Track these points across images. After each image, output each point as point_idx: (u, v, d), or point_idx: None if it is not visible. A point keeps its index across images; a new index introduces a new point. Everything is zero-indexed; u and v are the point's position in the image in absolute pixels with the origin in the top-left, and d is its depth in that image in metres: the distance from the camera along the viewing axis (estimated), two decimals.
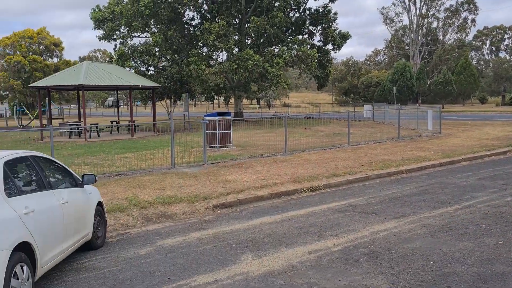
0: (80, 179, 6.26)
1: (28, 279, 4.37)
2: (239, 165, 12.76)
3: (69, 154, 15.89)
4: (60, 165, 6.12)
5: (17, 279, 4.19)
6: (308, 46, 30.93)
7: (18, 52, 55.11)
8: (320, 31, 33.87)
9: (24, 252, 4.34)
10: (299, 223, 7.50)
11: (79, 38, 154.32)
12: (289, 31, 33.20)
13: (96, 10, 32.29)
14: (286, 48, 30.68)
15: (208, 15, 32.19)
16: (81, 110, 26.28)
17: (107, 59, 69.86)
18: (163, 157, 14.39)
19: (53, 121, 28.88)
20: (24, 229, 4.38)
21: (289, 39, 32.10)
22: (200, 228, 7.49)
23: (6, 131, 27.74)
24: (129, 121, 25.38)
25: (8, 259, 4.02)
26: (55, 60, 60.21)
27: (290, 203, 9.13)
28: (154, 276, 5.31)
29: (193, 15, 33.39)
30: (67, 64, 56.33)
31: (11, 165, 4.84)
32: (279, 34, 29.77)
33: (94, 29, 32.45)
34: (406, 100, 53.98)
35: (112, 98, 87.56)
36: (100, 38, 32.61)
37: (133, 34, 32.43)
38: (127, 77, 25.65)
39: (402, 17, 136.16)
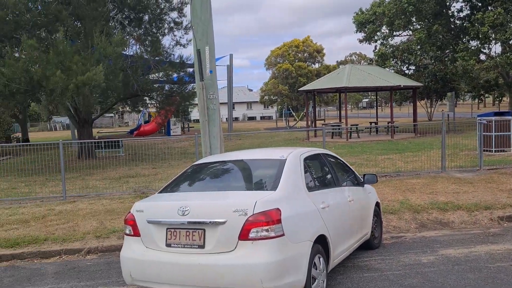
0: (361, 178, 6.32)
1: (323, 270, 4.58)
2: None
3: None
4: (344, 163, 6.30)
5: (316, 269, 4.43)
6: None
7: (286, 60, 61.82)
8: None
9: (320, 244, 4.56)
10: None
11: (337, 44, 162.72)
12: None
13: (359, 13, 33.10)
14: None
15: (479, 4, 28.96)
16: (342, 112, 27.44)
17: (362, 61, 71.44)
18: (429, 159, 13.57)
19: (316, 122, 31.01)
20: (322, 222, 4.61)
21: None
22: (486, 241, 6.63)
23: (276, 131, 31.13)
24: (388, 122, 25.10)
25: (310, 249, 4.28)
26: (316, 65, 65.11)
27: None
28: None
29: (461, 6, 30.65)
30: (327, 68, 60.12)
31: (308, 162, 5.19)
32: None
33: (356, 32, 33.34)
34: None
35: (367, 100, 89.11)
36: (361, 41, 33.35)
37: (394, 33, 31.95)
38: (387, 77, 25.44)
39: None
